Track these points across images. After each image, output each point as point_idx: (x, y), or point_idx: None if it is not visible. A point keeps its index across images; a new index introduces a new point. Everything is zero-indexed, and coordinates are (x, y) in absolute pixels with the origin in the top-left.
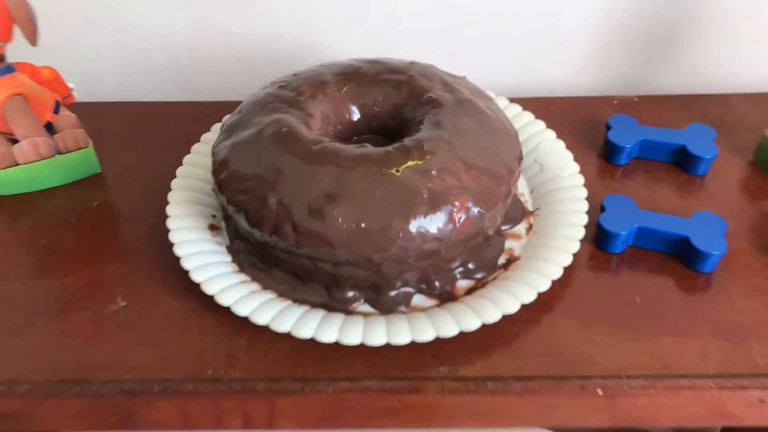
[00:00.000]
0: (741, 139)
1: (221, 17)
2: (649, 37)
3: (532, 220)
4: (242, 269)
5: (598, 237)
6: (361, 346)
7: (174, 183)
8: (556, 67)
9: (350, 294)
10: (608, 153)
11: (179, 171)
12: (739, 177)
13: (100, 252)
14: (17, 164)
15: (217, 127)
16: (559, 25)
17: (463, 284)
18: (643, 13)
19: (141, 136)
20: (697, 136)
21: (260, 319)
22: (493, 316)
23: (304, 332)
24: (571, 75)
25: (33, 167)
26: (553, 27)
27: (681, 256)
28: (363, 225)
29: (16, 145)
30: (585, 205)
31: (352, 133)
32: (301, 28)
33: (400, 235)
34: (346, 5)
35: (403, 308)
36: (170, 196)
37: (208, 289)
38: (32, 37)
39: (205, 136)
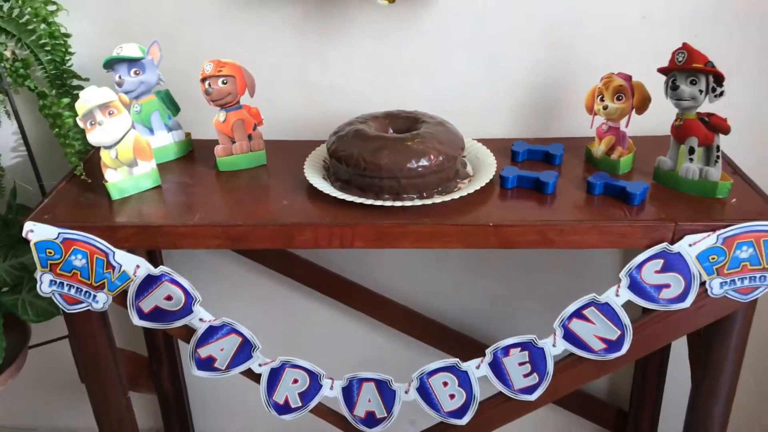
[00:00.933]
0: (581, 153)
1: (320, 100)
2: (542, 109)
3: (472, 178)
4: (339, 189)
5: (501, 181)
6: (392, 208)
7: (306, 164)
8: (491, 123)
9: (386, 196)
10: (512, 156)
11: (308, 159)
12: (575, 164)
13: (272, 189)
14: (233, 154)
15: (320, 149)
16: (494, 103)
17: (437, 197)
18: (540, 97)
19: (280, 152)
20: (555, 148)
21: (347, 198)
22: (449, 197)
23: (368, 202)
24: (500, 128)
25: (239, 156)
26: (490, 104)
27: (538, 189)
28: (393, 158)
29: (234, 144)
30: (494, 168)
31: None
32: (361, 104)
33: (408, 164)
34: (382, 94)
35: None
36: (305, 168)
37: (327, 191)
38: (252, 93)
39: (317, 149)
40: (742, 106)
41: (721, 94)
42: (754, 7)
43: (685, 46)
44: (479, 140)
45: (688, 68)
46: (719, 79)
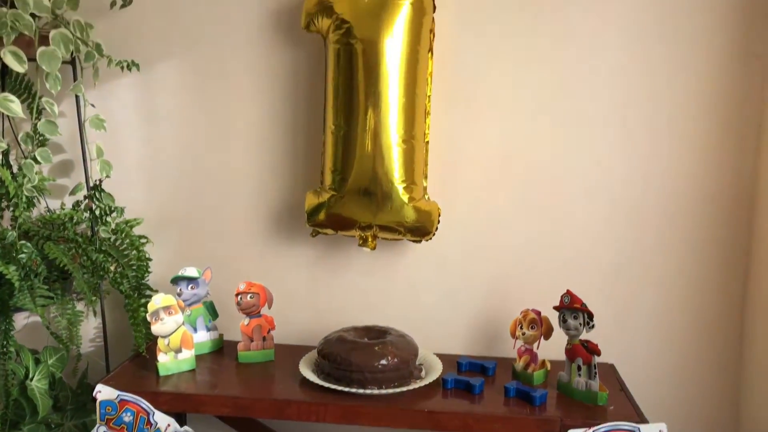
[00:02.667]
0: (510, 368)
1: (322, 317)
2: (485, 335)
3: (423, 379)
4: (322, 379)
5: (443, 383)
6: (357, 394)
7: (302, 360)
8: (448, 343)
9: (355, 386)
10: (458, 367)
11: (304, 357)
12: (503, 376)
13: (275, 377)
14: (250, 350)
15: (315, 351)
16: (450, 328)
17: (392, 389)
18: (484, 326)
19: (287, 352)
20: (489, 363)
21: (326, 385)
22: (400, 390)
23: (340, 388)
24: (454, 347)
25: (254, 352)
26: (447, 329)
27: (469, 390)
28: (361, 357)
29: (252, 343)
30: (440, 372)
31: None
32: (353, 321)
33: (374, 363)
34: (368, 314)
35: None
36: (300, 363)
37: (312, 379)
38: (270, 307)
39: (313, 351)
40: (642, 338)
41: (593, 326)
42: (644, 268)
43: (569, 292)
44: (438, 354)
45: (571, 307)
46: (591, 315)
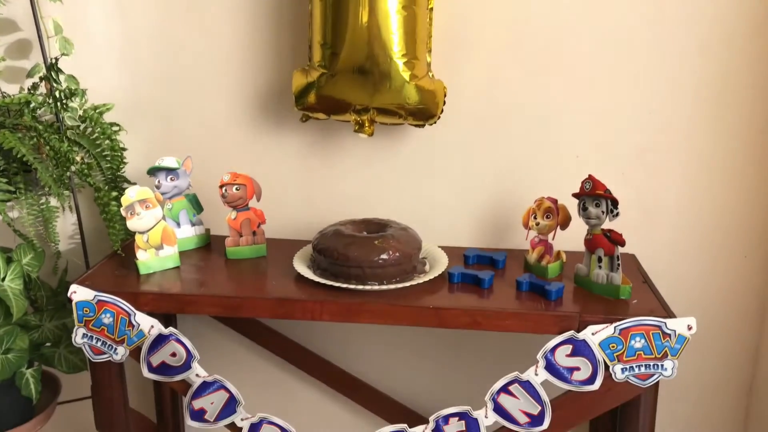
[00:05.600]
0: (522, 261)
1: (317, 209)
2: (495, 226)
3: (427, 273)
4: (318, 276)
5: (449, 277)
6: (356, 291)
7: (296, 255)
8: (454, 235)
9: (353, 281)
10: (464, 260)
11: (298, 252)
12: (515, 269)
13: (267, 274)
14: (239, 246)
15: (310, 246)
16: (457, 219)
17: (393, 285)
18: (493, 217)
19: (280, 247)
20: (499, 254)
21: (321, 281)
22: (402, 285)
23: (337, 284)
24: (461, 239)
25: (244, 248)
26: (453, 220)
27: (477, 284)
28: (359, 252)
29: (241, 238)
30: (446, 266)
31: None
32: (350, 214)
33: (371, 257)
34: (367, 206)
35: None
36: (294, 258)
37: (307, 275)
38: (258, 199)
39: (308, 246)
40: (666, 227)
41: (617, 214)
42: (672, 152)
43: (590, 177)
44: (443, 247)
45: (593, 194)
46: (615, 203)
